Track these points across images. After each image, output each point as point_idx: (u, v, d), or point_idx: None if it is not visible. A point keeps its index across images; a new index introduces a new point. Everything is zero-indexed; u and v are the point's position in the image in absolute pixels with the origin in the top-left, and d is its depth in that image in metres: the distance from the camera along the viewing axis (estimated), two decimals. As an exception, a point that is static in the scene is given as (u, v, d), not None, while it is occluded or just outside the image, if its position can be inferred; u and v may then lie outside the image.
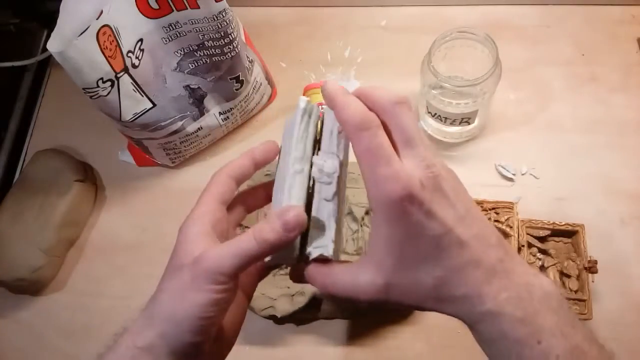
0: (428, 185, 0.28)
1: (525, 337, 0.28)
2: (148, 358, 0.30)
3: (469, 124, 0.62)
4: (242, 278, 0.33)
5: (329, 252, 0.31)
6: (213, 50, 0.58)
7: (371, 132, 0.29)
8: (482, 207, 0.58)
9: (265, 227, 0.30)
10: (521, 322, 0.28)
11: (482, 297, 0.28)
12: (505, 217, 0.57)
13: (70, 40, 0.47)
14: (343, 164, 0.32)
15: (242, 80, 0.63)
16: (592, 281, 0.55)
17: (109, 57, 0.51)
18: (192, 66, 0.60)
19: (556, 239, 0.57)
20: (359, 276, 0.30)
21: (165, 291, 0.31)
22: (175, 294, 0.30)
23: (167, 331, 0.30)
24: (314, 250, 0.31)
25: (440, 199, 0.29)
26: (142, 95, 0.57)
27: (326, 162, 0.32)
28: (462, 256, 0.29)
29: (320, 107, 0.34)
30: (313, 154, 0.33)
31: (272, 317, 0.56)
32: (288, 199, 0.32)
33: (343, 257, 0.57)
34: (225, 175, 0.35)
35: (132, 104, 0.57)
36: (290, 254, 0.32)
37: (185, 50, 0.58)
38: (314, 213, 0.32)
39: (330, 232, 0.32)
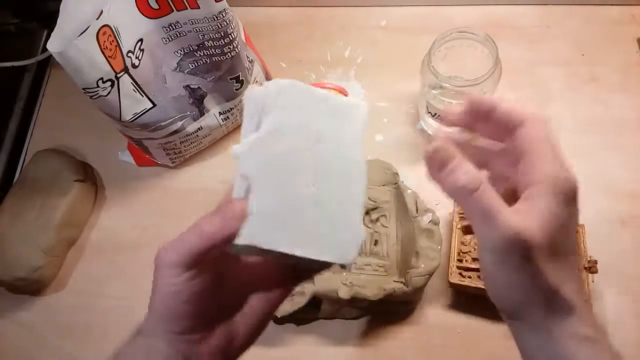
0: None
1: None
2: (145, 343, 0.32)
3: (469, 124, 0.62)
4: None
5: (239, 240, 0.29)
6: (213, 50, 0.58)
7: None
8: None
9: (204, 220, 0.30)
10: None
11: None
12: (505, 217, 0.57)
13: (70, 40, 0.47)
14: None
15: (242, 80, 0.63)
16: (592, 281, 0.55)
17: (109, 57, 0.51)
18: (192, 66, 0.60)
19: (556, 239, 0.57)
20: (515, 217, 0.28)
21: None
22: (152, 288, 0.32)
23: (150, 321, 0.32)
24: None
25: None
26: (142, 95, 0.58)
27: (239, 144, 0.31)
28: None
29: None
30: None
31: (272, 317, 0.56)
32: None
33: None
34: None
35: (132, 104, 0.57)
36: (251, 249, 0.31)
37: (185, 50, 0.58)
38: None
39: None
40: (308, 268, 0.35)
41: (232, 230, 0.29)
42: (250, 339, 0.35)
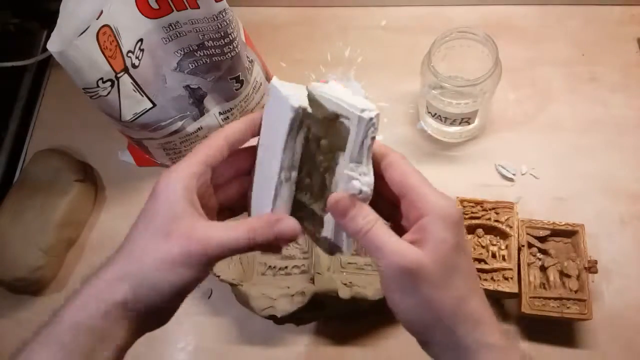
0: None
1: None
2: (119, 313, 0.32)
3: (469, 124, 0.62)
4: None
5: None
6: (213, 50, 0.58)
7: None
8: (482, 207, 0.58)
9: (259, 231, 0.32)
10: None
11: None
12: (505, 217, 0.57)
13: (70, 40, 0.47)
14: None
15: (242, 80, 0.63)
16: (592, 281, 0.55)
17: (109, 57, 0.51)
18: (192, 66, 0.60)
19: (556, 239, 0.57)
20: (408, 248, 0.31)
21: (146, 252, 0.32)
22: (161, 262, 0.32)
23: (144, 294, 0.32)
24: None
25: None
26: (142, 95, 0.57)
27: (364, 177, 0.32)
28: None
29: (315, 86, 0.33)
30: (311, 160, 0.33)
31: (272, 317, 0.56)
32: (274, 206, 0.34)
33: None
34: (223, 139, 0.35)
35: (132, 104, 0.57)
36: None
37: (185, 50, 0.58)
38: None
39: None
40: None
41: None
42: None
